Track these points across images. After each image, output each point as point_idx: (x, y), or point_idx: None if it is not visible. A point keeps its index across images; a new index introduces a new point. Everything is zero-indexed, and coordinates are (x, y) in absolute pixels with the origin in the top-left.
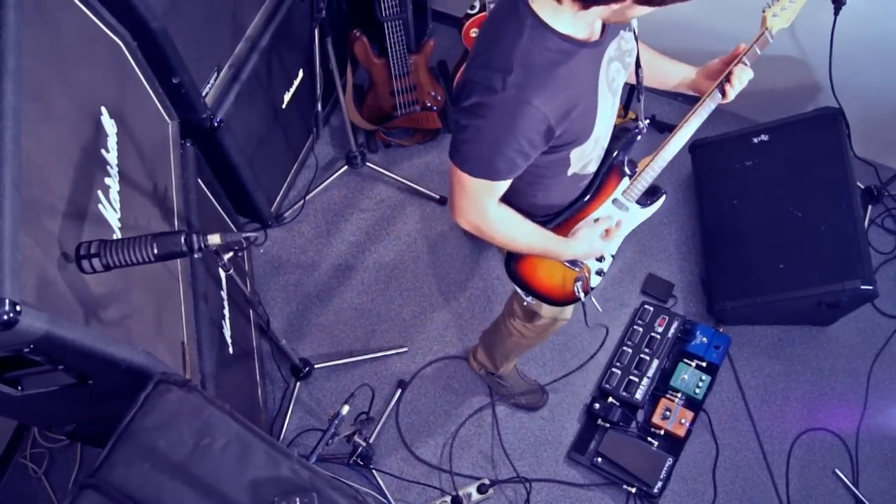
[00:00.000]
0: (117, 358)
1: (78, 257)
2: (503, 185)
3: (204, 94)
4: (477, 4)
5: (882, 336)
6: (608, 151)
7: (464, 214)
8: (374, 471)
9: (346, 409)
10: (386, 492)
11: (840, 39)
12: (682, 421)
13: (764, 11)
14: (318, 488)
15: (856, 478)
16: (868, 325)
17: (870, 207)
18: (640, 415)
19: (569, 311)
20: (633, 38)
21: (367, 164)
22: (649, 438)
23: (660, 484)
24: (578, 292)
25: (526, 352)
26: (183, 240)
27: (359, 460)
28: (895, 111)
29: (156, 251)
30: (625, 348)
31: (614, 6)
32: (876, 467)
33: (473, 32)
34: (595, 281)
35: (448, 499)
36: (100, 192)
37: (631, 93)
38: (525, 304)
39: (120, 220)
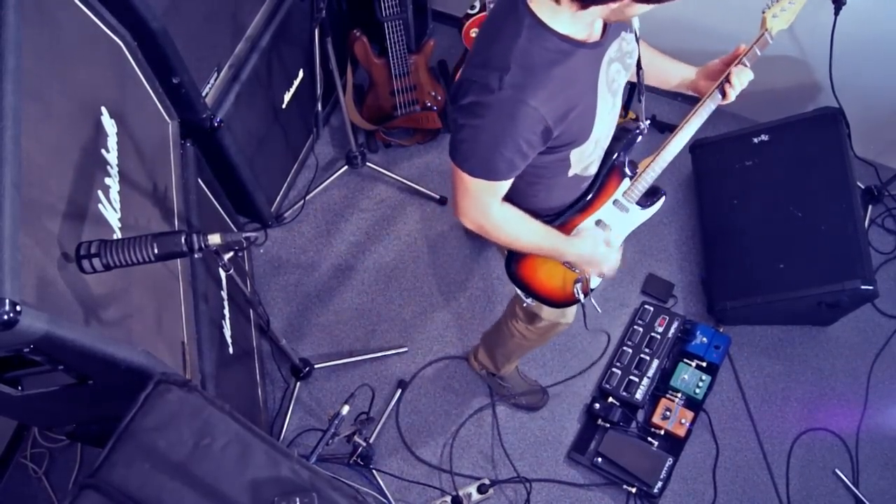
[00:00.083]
0: (117, 358)
1: (78, 257)
2: (504, 185)
3: (204, 94)
4: (477, 4)
5: (882, 336)
6: (608, 152)
7: (467, 214)
8: (374, 471)
9: (346, 409)
10: (386, 492)
11: (840, 39)
12: (683, 421)
13: (764, 12)
14: (319, 488)
15: (856, 478)
16: (868, 325)
17: (870, 207)
18: (641, 415)
19: (570, 314)
20: (634, 40)
21: (368, 164)
22: (649, 438)
23: (660, 484)
24: (578, 294)
25: (527, 353)
26: (183, 240)
27: (359, 460)
28: (895, 111)
29: (156, 251)
30: (625, 348)
31: (613, 5)
32: (876, 467)
33: (473, 32)
34: (595, 282)
35: (448, 499)
36: (100, 192)
37: (631, 92)
38: (525, 305)
39: (120, 220)
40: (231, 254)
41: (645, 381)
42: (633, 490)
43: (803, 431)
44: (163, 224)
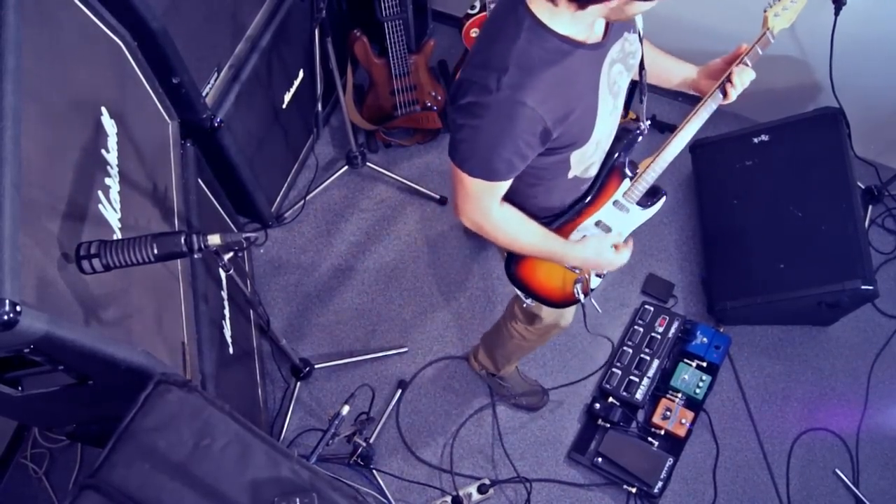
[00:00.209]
0: (117, 358)
1: (78, 258)
2: (503, 185)
3: (204, 94)
4: (477, 4)
5: (882, 336)
6: (609, 153)
7: (467, 214)
8: (374, 471)
9: (346, 410)
10: (386, 492)
11: (840, 39)
12: (683, 421)
13: (765, 11)
14: (319, 489)
15: (856, 478)
16: (868, 325)
17: (870, 207)
18: (641, 415)
19: (569, 315)
20: (637, 40)
21: (368, 164)
22: (650, 438)
23: (660, 484)
24: (578, 294)
25: (527, 354)
26: (183, 240)
27: (359, 460)
28: (895, 111)
29: (156, 251)
30: (625, 348)
31: (612, 4)
32: (876, 467)
33: (474, 32)
34: (595, 282)
35: (448, 499)
36: (100, 193)
37: (632, 92)
38: (525, 306)
39: (120, 220)
40: (231, 254)
41: (645, 381)
42: (634, 490)
43: (803, 431)
44: (163, 224)
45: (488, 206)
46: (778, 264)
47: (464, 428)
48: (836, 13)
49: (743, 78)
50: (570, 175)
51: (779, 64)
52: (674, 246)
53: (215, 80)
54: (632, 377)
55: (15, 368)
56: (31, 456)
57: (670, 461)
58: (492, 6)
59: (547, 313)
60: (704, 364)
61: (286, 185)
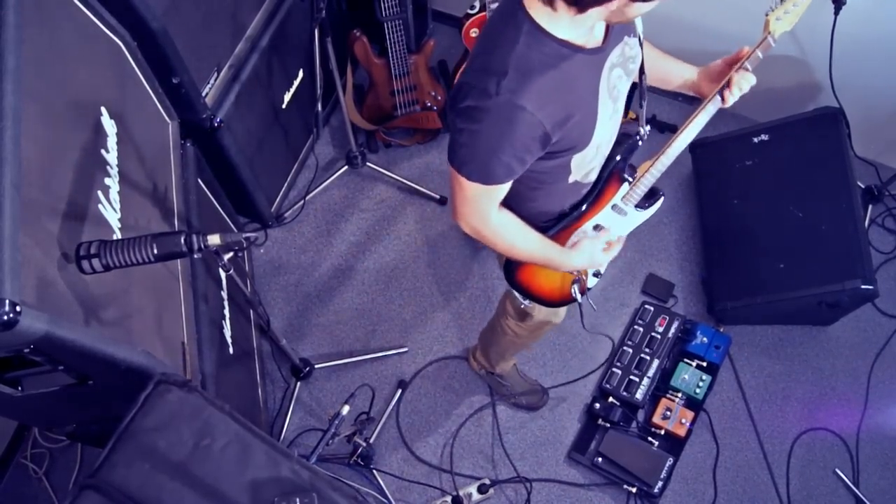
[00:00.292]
0: (117, 358)
1: (78, 258)
2: (502, 190)
3: (204, 94)
4: (477, 4)
5: (882, 336)
6: (609, 157)
7: (465, 219)
8: (374, 471)
9: (346, 409)
10: (386, 492)
11: (840, 39)
12: (683, 421)
13: (767, 15)
14: (319, 489)
15: (856, 477)
16: (868, 325)
17: (870, 207)
18: (641, 415)
19: (562, 312)
20: (637, 44)
21: (368, 164)
22: (650, 438)
23: (660, 484)
24: (575, 293)
25: (521, 350)
26: (183, 240)
27: (359, 460)
28: (895, 111)
29: (156, 251)
30: (625, 348)
31: (612, 6)
32: (876, 467)
33: (473, 32)
34: (592, 282)
35: (448, 499)
36: (100, 193)
37: (632, 93)
38: (522, 306)
39: (120, 220)
40: (231, 254)
41: (645, 380)
42: (634, 490)
43: (804, 431)
44: (163, 224)
45: (487, 211)
46: (778, 264)
47: (464, 428)
48: (836, 13)
49: (742, 84)
50: (571, 179)
51: (779, 64)
52: (674, 246)
53: (215, 80)
54: (632, 377)
55: (15, 368)
56: (31, 456)
57: (670, 461)
58: (492, 6)
59: (539, 311)
60: (704, 364)
61: (286, 185)
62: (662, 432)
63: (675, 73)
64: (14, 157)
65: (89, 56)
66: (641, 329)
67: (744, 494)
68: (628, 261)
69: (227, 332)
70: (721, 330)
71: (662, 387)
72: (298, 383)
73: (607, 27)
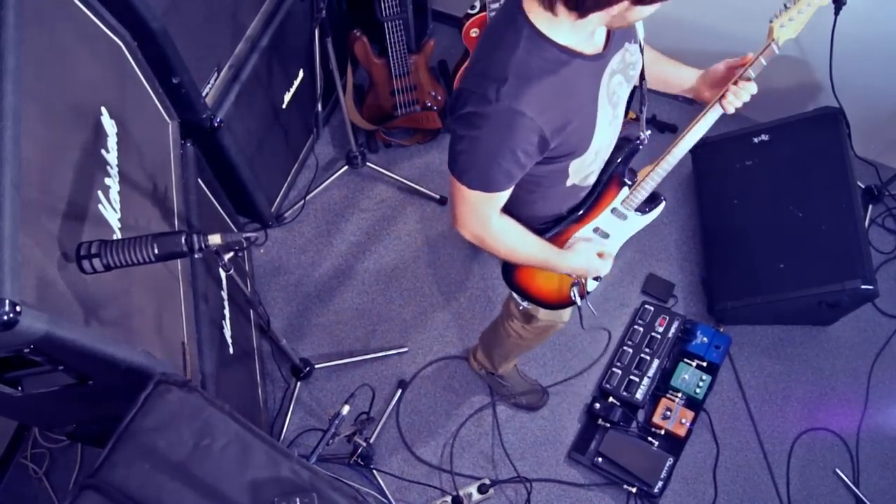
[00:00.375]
0: (117, 358)
1: (78, 257)
2: (503, 196)
3: (204, 94)
4: (477, 4)
5: (882, 336)
6: (608, 161)
7: (466, 226)
8: (374, 471)
9: (346, 409)
10: (386, 492)
11: (840, 39)
12: (683, 421)
13: (771, 22)
14: (319, 489)
15: (856, 477)
16: (868, 325)
17: (870, 207)
18: (641, 415)
19: (567, 314)
20: (638, 50)
21: (368, 164)
22: (650, 438)
23: (660, 484)
24: (575, 296)
25: (525, 352)
26: (183, 240)
27: (359, 460)
28: (895, 111)
29: (156, 251)
30: (625, 348)
31: (613, 10)
32: (876, 467)
33: (474, 32)
34: (592, 285)
35: (448, 499)
36: (100, 193)
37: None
38: (521, 308)
39: (120, 220)
40: (231, 254)
41: (645, 380)
42: (634, 490)
43: (804, 431)
44: (163, 224)
45: (487, 217)
46: (778, 264)
47: (464, 428)
48: (836, 13)
49: (742, 94)
50: (569, 183)
51: (779, 64)
52: (674, 246)
53: (215, 80)
54: (632, 377)
55: (15, 368)
56: (31, 456)
57: (670, 461)
58: (492, 6)
59: (543, 314)
60: (704, 364)
61: (286, 185)
62: (662, 432)
63: (674, 78)
64: (14, 157)
65: (89, 56)
66: (641, 329)
67: (744, 494)
68: (628, 261)
69: (228, 332)
70: (721, 330)
71: (662, 387)
72: (298, 383)
73: (608, 33)
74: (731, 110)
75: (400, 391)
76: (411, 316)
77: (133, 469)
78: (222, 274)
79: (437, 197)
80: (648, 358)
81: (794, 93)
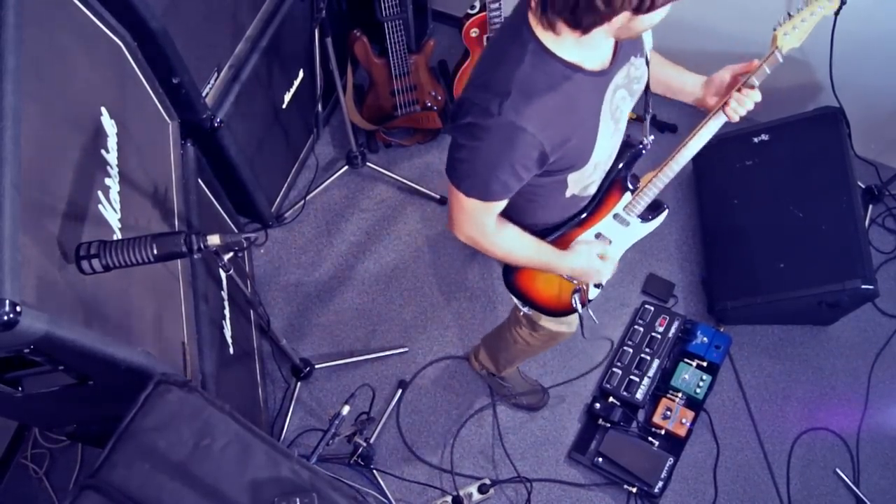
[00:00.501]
0: (117, 358)
1: (78, 258)
2: (500, 205)
3: (204, 94)
4: (477, 4)
5: (883, 335)
6: (610, 167)
7: (462, 230)
8: (374, 471)
9: (346, 410)
10: (387, 492)
11: (840, 39)
12: (683, 421)
13: (775, 30)
14: (319, 489)
15: (857, 477)
16: (869, 325)
17: (870, 207)
18: (641, 414)
19: (573, 322)
20: (643, 65)
21: (368, 164)
22: (650, 438)
23: (660, 484)
24: (576, 304)
25: (532, 357)
26: (183, 240)
27: (359, 460)
28: (895, 110)
29: (156, 252)
30: (625, 348)
31: (616, 23)
32: (877, 467)
33: (473, 32)
34: (593, 293)
35: (449, 499)
36: (100, 193)
37: None
38: (522, 313)
39: (120, 220)
40: (231, 254)
41: (645, 380)
42: (634, 490)
43: (804, 431)
44: (163, 224)
45: (484, 223)
46: (778, 264)
47: (464, 428)
48: (837, 13)
49: (746, 102)
50: (568, 194)
51: (779, 63)
52: (674, 246)
53: (215, 80)
54: (632, 377)
55: (15, 368)
56: (31, 456)
57: (671, 461)
58: (492, 6)
59: (547, 321)
60: (705, 364)
61: (286, 185)
62: (663, 432)
63: (677, 83)
64: (14, 157)
65: (89, 56)
66: (642, 329)
67: (744, 494)
68: (628, 261)
69: (228, 332)
70: (721, 330)
71: (663, 387)
72: (299, 383)
73: (616, 47)
74: (735, 118)
75: (400, 391)
76: (411, 316)
77: (133, 469)
78: (222, 274)
79: (438, 197)
80: (649, 358)
81: (794, 92)
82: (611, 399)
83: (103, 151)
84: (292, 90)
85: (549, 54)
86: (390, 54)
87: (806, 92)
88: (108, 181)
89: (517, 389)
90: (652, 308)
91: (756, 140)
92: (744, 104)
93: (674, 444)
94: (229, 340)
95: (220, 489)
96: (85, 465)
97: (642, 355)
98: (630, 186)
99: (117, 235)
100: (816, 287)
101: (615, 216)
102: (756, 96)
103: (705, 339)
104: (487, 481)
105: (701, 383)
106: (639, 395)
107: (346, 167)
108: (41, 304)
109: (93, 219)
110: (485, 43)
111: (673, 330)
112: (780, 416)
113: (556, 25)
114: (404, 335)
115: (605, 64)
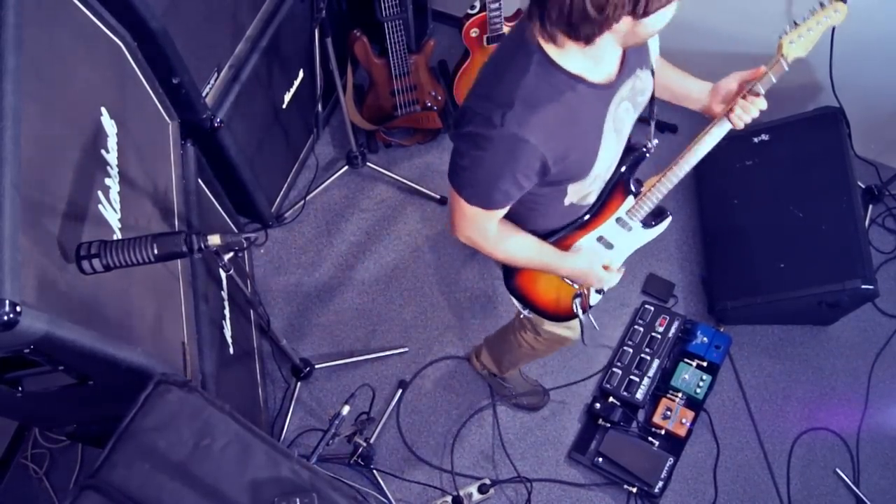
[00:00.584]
0: (117, 358)
1: (78, 258)
2: (501, 212)
3: (204, 94)
4: (477, 4)
5: (883, 335)
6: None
7: (463, 233)
8: (374, 471)
9: (346, 410)
10: (387, 492)
11: (841, 38)
12: (683, 421)
13: (780, 38)
14: (319, 489)
15: (857, 477)
16: (869, 325)
17: (870, 207)
18: (641, 414)
19: (577, 327)
20: (649, 77)
21: (368, 164)
22: (650, 438)
23: (660, 484)
24: (577, 309)
25: (536, 359)
26: (183, 240)
27: (359, 460)
28: (895, 111)
29: (156, 252)
30: (625, 348)
31: (620, 30)
32: (877, 467)
33: (473, 32)
34: (595, 299)
35: (449, 499)
36: (100, 193)
37: None
38: (522, 317)
39: (120, 220)
40: (231, 254)
41: (645, 380)
42: (634, 490)
43: (804, 431)
44: (163, 224)
45: (485, 228)
46: (778, 264)
47: (464, 428)
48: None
49: (751, 109)
50: (567, 202)
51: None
52: (674, 246)
53: (215, 80)
54: (632, 377)
55: (15, 368)
56: (31, 456)
57: (671, 461)
58: (492, 6)
59: (548, 325)
60: (705, 364)
61: (286, 185)
62: (663, 432)
63: (680, 88)
64: (14, 157)
65: (89, 56)
66: (642, 329)
67: (744, 494)
68: (628, 261)
69: (228, 332)
70: (721, 330)
71: (663, 387)
72: (299, 383)
73: (622, 59)
74: (739, 125)
75: (400, 391)
76: (411, 316)
77: (133, 469)
78: (222, 274)
79: (438, 197)
80: (649, 358)
81: (794, 92)
82: (611, 399)
83: (103, 151)
84: (292, 90)
85: (553, 65)
86: (390, 54)
87: (806, 92)
88: (108, 181)
89: (518, 390)
90: (652, 308)
91: (756, 140)
92: (749, 111)
93: (674, 444)
94: (229, 340)
95: (220, 489)
96: (85, 465)
97: (642, 355)
98: (633, 190)
99: (117, 235)
100: (816, 287)
101: (618, 220)
102: (761, 104)
103: (705, 339)
104: (487, 481)
105: (701, 383)
106: (639, 394)
107: (346, 167)
108: (41, 304)
109: (93, 219)
110: (485, 43)
111: (673, 330)
112: (780, 416)
113: (556, 37)
114: (404, 335)
115: (611, 76)
